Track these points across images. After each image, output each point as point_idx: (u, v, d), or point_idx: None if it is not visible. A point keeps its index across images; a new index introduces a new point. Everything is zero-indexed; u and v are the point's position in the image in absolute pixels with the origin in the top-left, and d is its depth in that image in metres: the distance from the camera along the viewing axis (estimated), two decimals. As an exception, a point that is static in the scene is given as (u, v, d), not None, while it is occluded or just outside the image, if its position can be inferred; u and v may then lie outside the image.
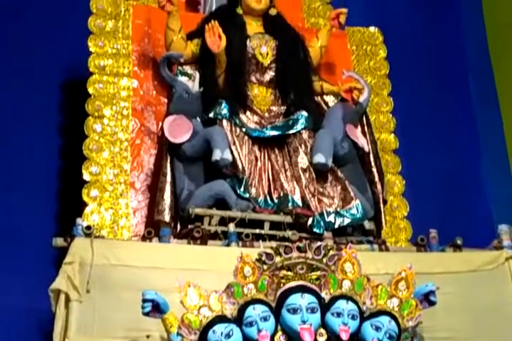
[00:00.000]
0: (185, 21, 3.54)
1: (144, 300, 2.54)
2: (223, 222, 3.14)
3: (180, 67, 3.51)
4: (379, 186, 3.49)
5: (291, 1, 4.07)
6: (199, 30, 3.51)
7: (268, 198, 3.30)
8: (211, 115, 3.37)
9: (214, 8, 3.83)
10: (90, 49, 3.50)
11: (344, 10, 3.70)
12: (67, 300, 2.73)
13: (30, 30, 3.83)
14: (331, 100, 3.66)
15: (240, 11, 3.56)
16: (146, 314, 2.55)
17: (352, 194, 3.30)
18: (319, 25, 4.06)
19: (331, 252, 2.61)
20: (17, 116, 3.66)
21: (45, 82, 3.74)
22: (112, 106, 3.44)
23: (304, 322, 2.48)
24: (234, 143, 3.30)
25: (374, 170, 3.52)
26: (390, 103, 3.85)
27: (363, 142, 3.50)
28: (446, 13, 4.64)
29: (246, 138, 3.36)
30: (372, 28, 4.03)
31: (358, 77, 3.66)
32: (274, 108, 3.48)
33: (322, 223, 3.21)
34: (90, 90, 3.42)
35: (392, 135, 3.80)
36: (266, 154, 3.39)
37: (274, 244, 2.84)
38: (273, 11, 3.59)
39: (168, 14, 3.44)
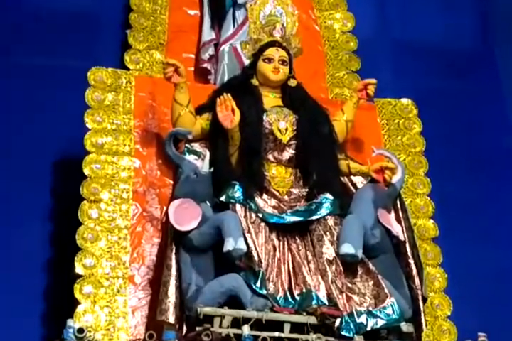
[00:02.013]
0: (194, 93, 3.54)
1: None
2: (236, 323, 3.06)
3: (188, 145, 3.50)
4: (417, 281, 3.41)
5: (312, 70, 4.10)
6: (210, 103, 3.51)
7: (288, 295, 3.22)
8: (223, 199, 3.33)
9: (226, 78, 3.87)
10: (87, 125, 3.50)
11: (373, 80, 3.71)
12: None
13: (21, 102, 3.88)
14: (359, 181, 3.61)
15: (255, 82, 3.57)
16: None
17: (386, 290, 3.22)
18: (345, 96, 4.09)
19: (364, 361, 2.53)
20: (4, 198, 3.65)
21: (36, 162, 3.74)
22: (110, 188, 3.42)
23: None
24: (249, 231, 3.25)
25: (411, 261, 3.44)
26: (428, 184, 3.81)
27: (397, 229, 3.44)
28: (487, 83, 4.68)
29: (263, 224, 3.30)
30: (404, 100, 4.03)
31: (390, 155, 3.62)
32: (295, 190, 3.44)
33: (352, 325, 3.12)
34: (86, 171, 3.40)
35: (431, 221, 3.75)
36: (286, 243, 3.34)
37: (296, 350, 2.77)
38: (292, 82, 3.59)
39: (176, 86, 3.44)
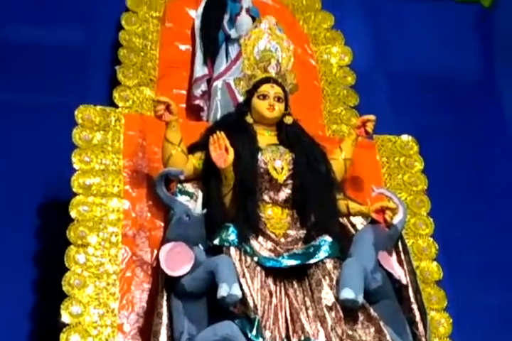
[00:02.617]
0: (186, 131, 3.51)
1: None
2: (231, 374, 2.99)
3: (179, 185, 3.47)
4: (421, 327, 3.36)
5: (309, 106, 4.09)
6: (202, 141, 3.49)
7: (286, 343, 3.16)
8: (216, 242, 3.30)
9: (219, 115, 3.85)
10: (74, 165, 3.47)
11: (372, 117, 3.68)
12: None
13: (4, 140, 3.88)
14: (359, 222, 3.58)
15: (249, 119, 3.54)
16: None
17: (388, 337, 3.16)
18: (342, 132, 4.08)
19: None
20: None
21: (20, 204, 3.72)
22: (98, 232, 3.38)
23: None
24: (244, 276, 3.20)
25: (414, 306, 3.39)
26: (430, 224, 3.78)
27: (399, 273, 3.40)
28: (490, 117, 4.68)
29: (258, 268, 3.26)
30: (405, 137, 4.01)
31: (391, 195, 3.59)
32: (292, 232, 3.40)
33: (353, 375, 3.06)
34: (73, 214, 3.36)
35: (435, 263, 3.70)
36: (282, 288, 3.29)
37: None
38: (288, 119, 3.56)
39: (167, 124, 3.42)
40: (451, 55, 4.82)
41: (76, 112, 3.61)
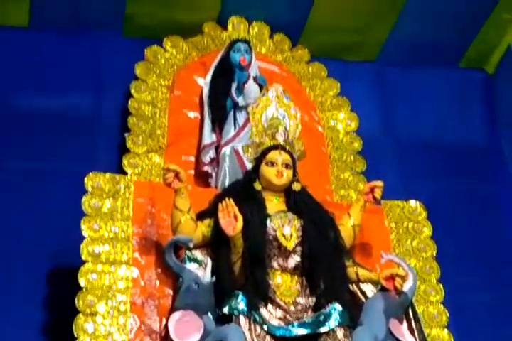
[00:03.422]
0: (194, 197, 3.50)
1: None
2: None
3: (188, 252, 3.44)
4: None
5: (317, 171, 4.10)
6: (211, 208, 3.47)
7: None
8: (226, 310, 3.25)
9: (228, 181, 3.85)
10: (84, 233, 3.45)
11: (380, 183, 3.68)
12: None
13: (12, 207, 3.88)
14: (369, 289, 3.53)
15: (258, 186, 3.53)
16: None
17: None
18: (350, 197, 4.07)
19: None
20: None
21: (28, 272, 3.69)
22: (107, 300, 3.34)
23: None
24: (254, 345, 3.15)
25: (427, 375, 3.33)
26: (441, 291, 3.74)
27: (410, 341, 3.34)
28: (497, 182, 4.68)
29: (268, 337, 3.21)
30: (413, 202, 4.00)
31: (400, 261, 3.54)
32: (301, 300, 3.36)
33: None
34: (82, 282, 3.34)
35: (446, 330, 3.66)
36: (293, 357, 3.23)
37: None
38: (296, 186, 3.55)
39: (176, 191, 3.41)
40: (457, 120, 4.84)
41: (86, 180, 3.61)
